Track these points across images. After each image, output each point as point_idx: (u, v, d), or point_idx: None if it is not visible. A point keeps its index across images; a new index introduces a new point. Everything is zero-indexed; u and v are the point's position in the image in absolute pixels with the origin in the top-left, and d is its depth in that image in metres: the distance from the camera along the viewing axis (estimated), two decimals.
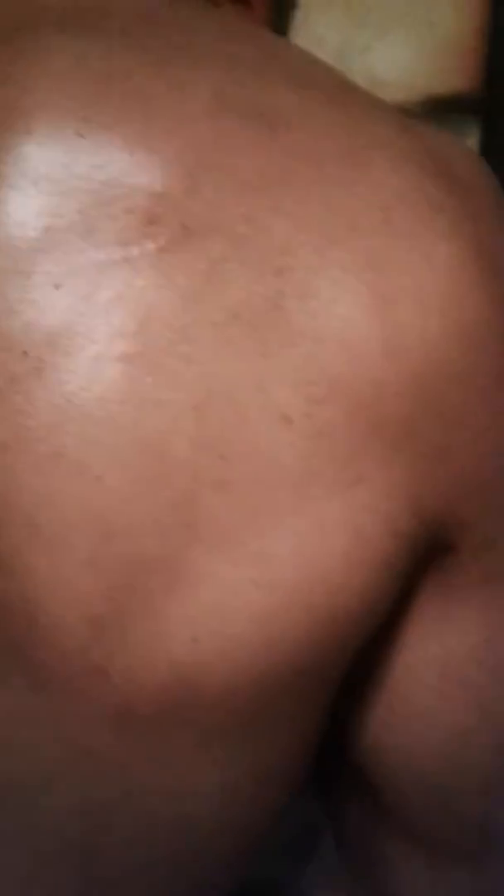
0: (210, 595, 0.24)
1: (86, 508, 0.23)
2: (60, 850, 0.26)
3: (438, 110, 0.85)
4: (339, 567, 0.25)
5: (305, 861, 0.41)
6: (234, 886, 0.31)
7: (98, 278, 0.23)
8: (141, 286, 0.23)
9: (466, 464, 0.26)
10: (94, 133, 0.24)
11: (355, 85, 0.28)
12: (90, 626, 0.24)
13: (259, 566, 0.24)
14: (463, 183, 0.27)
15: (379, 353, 0.24)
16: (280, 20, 0.91)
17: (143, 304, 0.23)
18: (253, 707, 0.26)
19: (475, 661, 0.29)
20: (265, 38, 0.28)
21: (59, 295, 0.23)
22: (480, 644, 0.29)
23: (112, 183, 0.24)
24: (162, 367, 0.23)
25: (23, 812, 0.26)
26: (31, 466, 0.23)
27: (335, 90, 0.27)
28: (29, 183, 0.24)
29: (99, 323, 0.23)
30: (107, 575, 0.24)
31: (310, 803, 0.35)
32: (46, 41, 0.25)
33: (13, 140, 0.24)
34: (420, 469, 0.25)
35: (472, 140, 0.85)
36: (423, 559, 0.27)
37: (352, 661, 0.28)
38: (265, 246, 0.24)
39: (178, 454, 0.23)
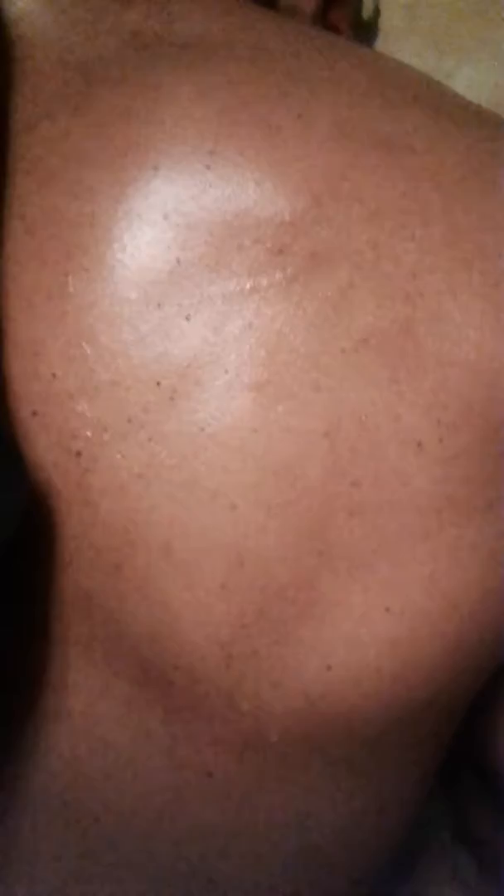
0: (343, 622, 0.24)
1: (219, 535, 0.24)
2: (179, 875, 0.26)
3: None
4: (472, 594, 0.24)
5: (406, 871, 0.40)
6: None
7: (228, 308, 0.24)
8: (270, 315, 0.24)
9: None
10: (220, 165, 0.24)
11: (475, 104, 0.28)
12: (221, 652, 0.24)
13: (392, 593, 0.24)
14: None
15: None
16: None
17: (273, 333, 0.24)
18: (381, 737, 0.25)
19: None
20: (377, 58, 0.29)
21: (190, 326, 0.24)
22: None
23: (240, 214, 0.24)
24: (292, 395, 0.24)
25: (145, 836, 0.26)
26: (166, 495, 0.24)
27: (455, 109, 0.27)
28: (159, 217, 0.24)
29: (229, 352, 0.24)
30: (239, 601, 0.24)
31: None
32: (167, 76, 0.25)
33: (141, 175, 0.24)
34: None
35: None
36: None
37: (476, 690, 0.27)
38: (393, 272, 0.24)
39: (310, 481, 0.23)
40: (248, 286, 0.24)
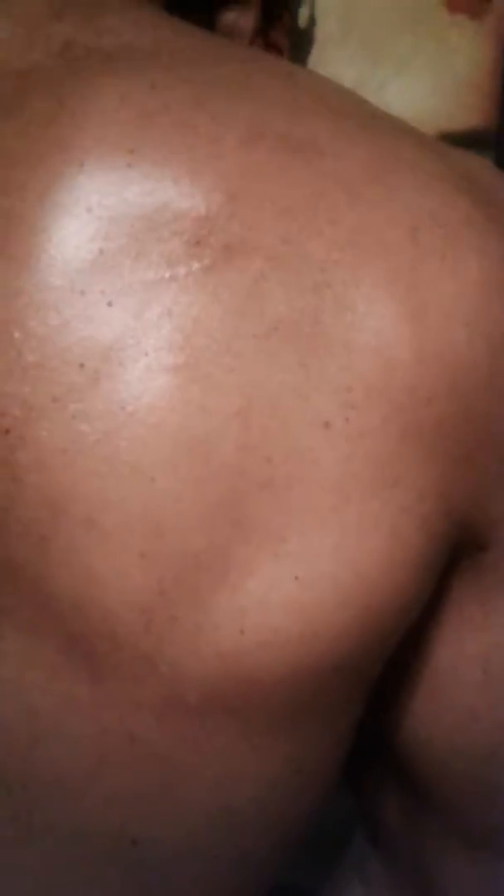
0: (255, 589, 0.25)
1: (139, 507, 0.25)
2: (104, 838, 0.28)
3: (453, 146, 0.87)
4: (377, 565, 0.26)
5: (328, 867, 0.42)
6: (267, 889, 0.32)
7: (148, 296, 0.25)
8: (187, 302, 0.25)
9: (492, 466, 0.28)
10: (141, 164, 0.26)
11: (382, 111, 0.30)
12: (141, 617, 0.25)
13: (301, 562, 0.26)
14: (489, 199, 0.29)
15: (411, 361, 0.26)
16: (296, 56, 0.93)
17: (190, 319, 0.25)
18: (294, 699, 0.27)
19: None
20: (293, 70, 0.30)
21: (113, 311, 0.25)
22: (497, 643, 0.30)
23: (160, 208, 0.26)
24: (207, 377, 0.25)
25: (70, 800, 0.27)
26: (89, 469, 0.25)
27: (363, 117, 0.29)
28: (83, 210, 0.26)
29: (149, 337, 0.25)
30: (158, 569, 0.25)
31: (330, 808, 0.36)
32: (93, 82, 0.27)
33: (68, 171, 0.26)
34: (450, 471, 0.27)
35: None
36: (456, 559, 0.29)
37: (390, 660, 0.29)
38: (302, 264, 0.26)
39: (224, 457, 0.25)
40: (166, 275, 0.25)
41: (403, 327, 0.26)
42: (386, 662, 0.29)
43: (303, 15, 0.91)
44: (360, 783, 0.37)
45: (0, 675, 0.27)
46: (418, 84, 0.90)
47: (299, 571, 0.26)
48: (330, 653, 0.26)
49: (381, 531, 0.26)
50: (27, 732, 0.27)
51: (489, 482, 0.28)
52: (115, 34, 0.28)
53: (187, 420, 0.25)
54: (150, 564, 0.25)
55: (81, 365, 0.25)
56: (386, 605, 0.27)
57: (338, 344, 0.26)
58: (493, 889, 0.33)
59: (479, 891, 0.34)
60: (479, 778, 0.32)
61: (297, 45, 0.92)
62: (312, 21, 0.91)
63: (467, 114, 0.90)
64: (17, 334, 0.25)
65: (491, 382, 0.27)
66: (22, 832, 0.28)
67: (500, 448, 0.28)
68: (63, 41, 0.28)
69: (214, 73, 0.28)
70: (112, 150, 0.26)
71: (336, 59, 0.92)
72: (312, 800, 0.30)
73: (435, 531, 0.27)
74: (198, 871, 0.29)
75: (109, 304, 0.25)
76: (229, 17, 0.35)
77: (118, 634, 0.26)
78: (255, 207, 0.26)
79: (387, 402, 0.26)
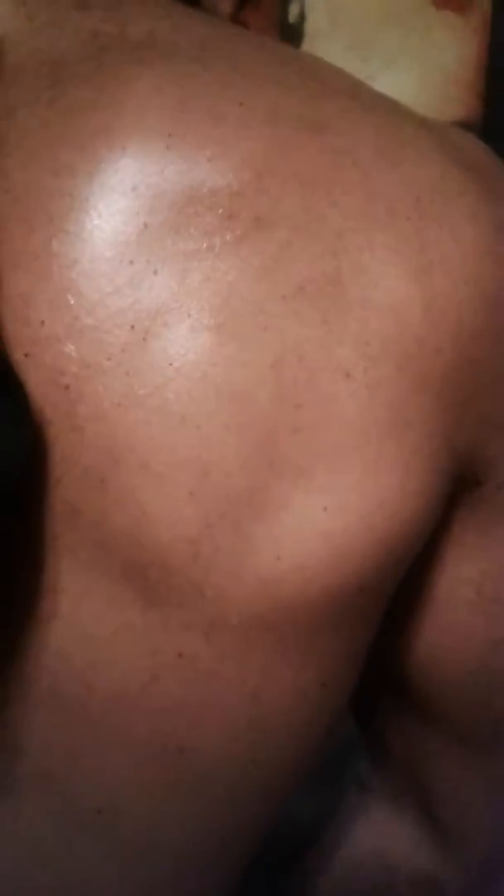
0: (289, 520, 0.29)
1: (187, 451, 0.28)
2: (153, 747, 0.31)
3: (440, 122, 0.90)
4: (394, 497, 0.30)
5: (326, 800, 0.45)
6: (287, 800, 0.35)
7: (189, 264, 0.29)
8: (223, 269, 0.29)
9: (489, 408, 0.32)
10: (178, 146, 0.29)
11: (377, 92, 0.34)
12: (190, 548, 0.29)
13: (328, 495, 0.29)
14: (479, 169, 0.33)
15: (420, 315, 0.30)
16: None
17: (226, 284, 0.29)
18: (323, 617, 0.31)
19: None
20: (298, 55, 0.34)
21: (158, 279, 0.29)
22: (490, 568, 0.35)
23: (197, 185, 0.29)
24: (243, 335, 0.29)
25: (125, 715, 0.31)
26: (143, 419, 0.28)
27: (364, 98, 0.32)
28: (129, 188, 0.29)
29: (191, 300, 0.29)
30: (204, 505, 0.29)
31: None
32: (126, 71, 0.30)
33: (111, 155, 0.29)
34: (454, 415, 0.31)
35: None
36: (457, 493, 0.33)
37: (401, 583, 0.33)
38: (322, 232, 0.29)
39: (260, 405, 0.29)
40: (204, 245, 0.29)
41: (413, 286, 0.29)
42: (400, 584, 0.33)
43: (292, 10, 0.94)
44: (358, 702, 0.40)
45: (61, 609, 0.30)
46: (405, 78, 0.92)
47: (327, 503, 0.29)
48: (355, 574, 0.30)
49: (397, 467, 0.30)
50: (85, 659, 0.30)
51: (486, 423, 0.32)
52: (138, 24, 0.31)
53: (227, 373, 0.28)
54: (198, 501, 0.29)
55: (132, 327, 0.28)
56: (402, 530, 0.30)
57: (356, 302, 0.29)
58: (479, 782, 0.38)
59: (468, 785, 0.39)
60: (472, 689, 0.36)
61: (287, 39, 0.94)
62: (302, 16, 0.94)
63: (453, 107, 0.93)
64: (72, 300, 0.28)
65: (487, 334, 0.31)
66: (80, 747, 0.31)
67: (495, 393, 0.32)
68: (90, 31, 0.31)
69: (233, 61, 0.31)
70: (151, 135, 0.29)
71: (324, 53, 0.94)
72: (332, 712, 0.34)
73: (441, 467, 0.31)
74: (234, 777, 0.32)
75: (155, 272, 0.29)
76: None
77: (169, 564, 0.29)
78: (280, 182, 0.29)
79: (400, 354, 0.29)
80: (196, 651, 0.30)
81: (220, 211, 0.29)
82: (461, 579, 0.35)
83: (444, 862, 0.40)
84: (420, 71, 0.98)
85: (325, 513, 0.29)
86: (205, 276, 0.29)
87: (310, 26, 0.96)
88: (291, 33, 0.97)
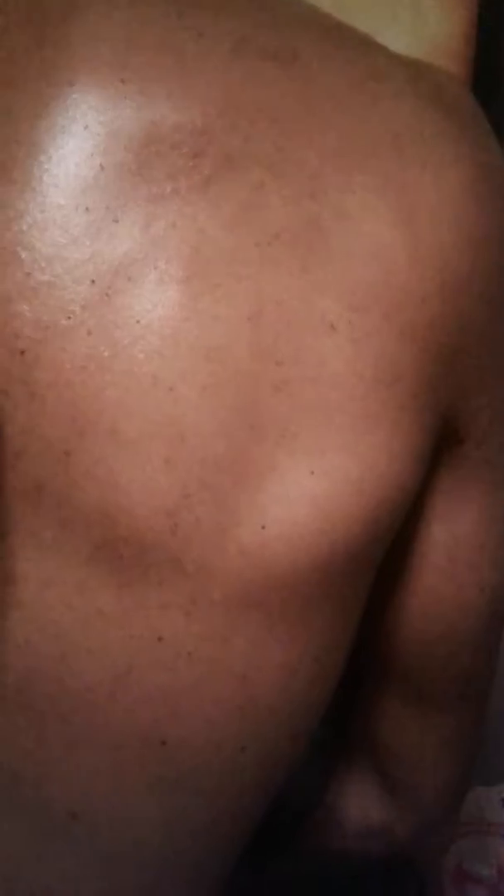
0: (273, 486, 0.27)
1: (160, 415, 0.26)
2: (133, 741, 0.28)
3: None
4: (382, 457, 0.28)
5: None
6: (285, 783, 0.33)
7: (152, 209, 0.26)
8: (191, 214, 0.26)
9: (471, 363, 0.30)
10: (132, 80, 0.27)
11: (350, 26, 0.31)
12: (168, 520, 0.26)
13: (314, 458, 0.27)
14: (458, 109, 0.30)
15: (405, 262, 0.27)
16: None
17: (195, 231, 0.26)
18: (313, 588, 0.28)
19: (478, 545, 0.33)
20: None
21: (119, 227, 0.26)
22: (482, 530, 0.33)
23: (156, 122, 0.26)
24: (217, 286, 0.26)
25: (100, 708, 0.28)
26: (109, 383, 0.26)
27: (336, 30, 0.30)
28: (80, 128, 0.26)
29: (157, 250, 0.26)
30: (181, 474, 0.26)
31: None
32: (70, 1, 0.28)
33: (59, 92, 0.27)
34: (439, 369, 0.29)
35: None
36: (439, 451, 0.31)
37: (386, 545, 0.31)
38: (298, 173, 0.27)
39: (238, 362, 0.26)
40: (168, 189, 0.26)
41: (397, 231, 0.27)
42: (386, 546, 0.31)
43: None
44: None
45: (23, 597, 0.27)
46: (393, 50, 0.90)
47: (313, 466, 0.27)
48: (344, 541, 0.28)
49: (384, 426, 0.27)
50: (54, 650, 0.28)
51: (468, 378, 0.30)
52: None
53: (201, 329, 0.26)
54: (174, 469, 0.26)
55: (92, 281, 0.26)
56: (390, 493, 0.28)
57: (338, 249, 0.27)
58: (432, 739, 0.38)
59: (420, 742, 0.37)
60: (436, 650, 0.35)
61: None
62: None
63: None
64: (23, 254, 0.26)
65: (472, 282, 0.29)
66: (50, 747, 0.28)
67: (479, 346, 0.30)
68: None
69: None
70: (103, 68, 0.27)
71: None
72: (326, 688, 0.31)
73: (427, 424, 0.29)
74: (223, 767, 0.30)
75: (115, 220, 0.26)
76: None
77: (146, 539, 0.26)
78: (250, 118, 0.27)
79: (387, 303, 0.27)
80: (177, 632, 0.27)
81: (185, 149, 0.26)
82: (433, 543, 0.33)
83: (396, 816, 0.40)
84: (408, 42, 0.96)
85: (312, 476, 0.27)
86: (171, 223, 0.26)
87: None
88: None
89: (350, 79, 0.28)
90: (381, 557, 0.31)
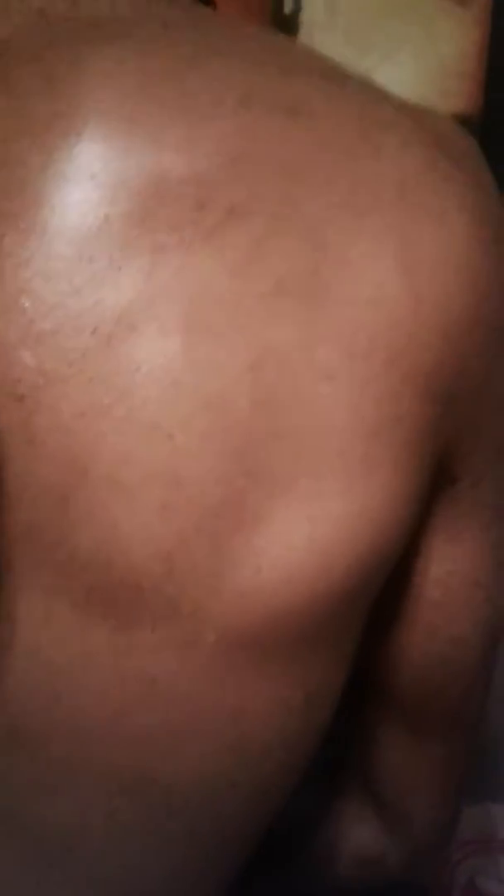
0: (271, 531, 0.27)
1: (159, 462, 0.26)
2: (125, 780, 0.29)
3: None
4: (380, 500, 0.28)
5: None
6: (277, 817, 0.33)
7: (156, 259, 0.26)
8: (194, 265, 0.26)
9: (467, 406, 0.30)
10: (140, 130, 0.27)
11: (359, 75, 0.31)
12: (163, 565, 0.27)
13: (312, 503, 0.27)
14: (462, 157, 0.30)
15: (410, 309, 0.27)
16: None
17: (197, 280, 0.26)
18: (307, 629, 0.29)
19: (472, 582, 0.34)
20: (277, 38, 0.32)
21: (122, 276, 0.26)
22: (476, 567, 0.33)
23: (161, 174, 0.26)
24: (218, 335, 0.26)
25: (92, 747, 0.28)
26: (108, 429, 0.26)
27: (343, 80, 0.30)
28: (86, 178, 0.26)
29: (160, 299, 0.26)
30: (177, 519, 0.26)
31: None
32: (80, 50, 0.28)
33: (66, 143, 0.27)
34: (441, 410, 0.29)
35: None
36: (435, 489, 0.31)
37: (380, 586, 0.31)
38: (302, 223, 0.27)
39: (237, 411, 0.26)
40: (172, 239, 0.26)
41: (400, 279, 0.27)
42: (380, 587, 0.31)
43: (288, 1, 0.91)
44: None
45: (18, 638, 0.28)
46: (405, 70, 0.90)
47: (311, 511, 0.27)
48: (341, 582, 0.28)
49: (385, 467, 0.28)
50: (48, 690, 0.28)
51: (463, 420, 0.30)
52: (92, 4, 0.29)
53: (201, 378, 0.26)
54: (171, 515, 0.26)
55: (94, 330, 0.26)
56: (388, 534, 0.29)
57: (339, 297, 0.27)
58: (424, 766, 0.38)
59: (413, 769, 0.38)
60: (428, 681, 0.35)
61: (282, 30, 0.92)
62: (298, 6, 0.92)
63: (453, 99, 0.91)
64: (27, 303, 0.26)
65: (473, 330, 0.29)
66: (43, 784, 0.29)
67: (475, 390, 0.30)
68: (38, 9, 0.29)
69: (203, 40, 0.29)
70: (110, 118, 0.27)
71: (322, 45, 0.92)
72: (320, 725, 0.32)
73: (425, 465, 0.29)
74: (215, 803, 0.30)
75: (119, 269, 0.26)
76: None
77: (142, 583, 0.27)
78: (256, 169, 0.27)
79: (389, 348, 0.27)
80: (170, 674, 0.28)
81: (190, 200, 0.26)
82: (428, 579, 0.33)
83: (388, 840, 0.40)
84: (420, 62, 0.96)
85: (309, 522, 0.27)
86: (174, 273, 0.26)
87: (306, 17, 0.94)
88: (287, 24, 0.95)
89: (356, 130, 0.28)
90: (375, 594, 0.31)
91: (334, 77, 0.30)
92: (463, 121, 0.90)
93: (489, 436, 0.32)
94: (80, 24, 0.28)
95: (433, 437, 0.29)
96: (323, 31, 0.94)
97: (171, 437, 0.26)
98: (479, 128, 0.89)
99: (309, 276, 0.27)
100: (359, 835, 0.41)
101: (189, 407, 0.26)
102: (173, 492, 0.26)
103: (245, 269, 0.26)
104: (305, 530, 0.27)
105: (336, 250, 0.27)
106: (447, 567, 0.33)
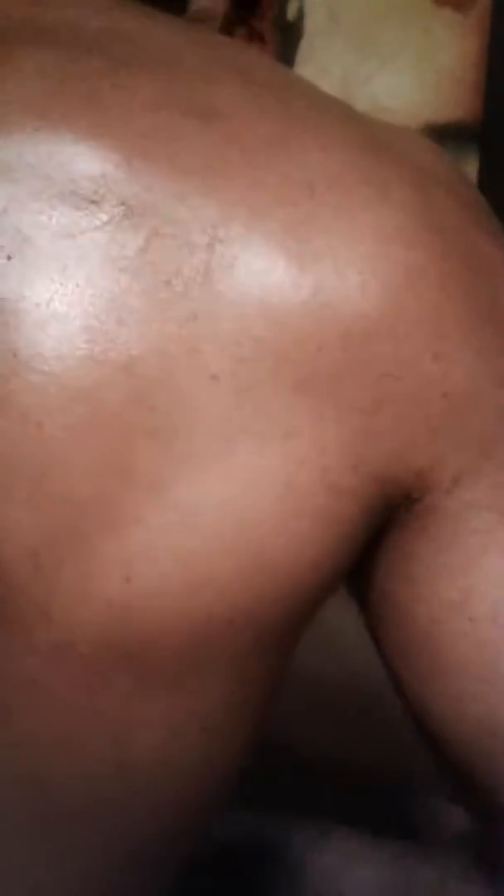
0: (140, 537, 0.26)
1: (25, 450, 0.26)
2: (13, 777, 0.29)
3: (438, 137, 0.88)
4: (270, 517, 0.27)
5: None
6: (190, 848, 0.32)
7: (46, 250, 0.26)
8: (82, 258, 0.26)
9: (411, 414, 0.27)
10: (47, 128, 0.27)
11: (308, 83, 0.31)
12: (31, 562, 0.26)
13: (185, 511, 0.26)
14: (409, 163, 0.29)
15: (298, 313, 0.26)
16: (286, 51, 0.94)
17: (83, 274, 0.26)
18: (188, 651, 0.28)
19: (498, 599, 0.28)
20: (214, 42, 0.32)
21: (10, 265, 0.26)
22: (492, 582, 0.29)
23: (59, 169, 0.27)
24: (97, 329, 0.26)
25: None
26: None
27: (278, 86, 0.30)
28: None
29: (44, 289, 0.26)
30: (43, 513, 0.26)
31: None
32: (14, 52, 0.28)
33: None
34: (356, 423, 0.27)
35: (471, 165, 0.88)
36: (393, 514, 0.28)
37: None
38: (196, 222, 0.27)
39: (111, 407, 0.26)
40: (64, 232, 0.26)
41: (293, 279, 0.26)
42: (302, 622, 0.29)
43: (291, 8, 0.92)
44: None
45: None
46: (404, 77, 0.90)
47: (184, 519, 0.26)
48: (218, 603, 0.27)
49: (275, 483, 0.26)
50: None
51: (410, 431, 0.27)
52: (56, 7, 0.30)
53: (77, 370, 0.26)
54: (37, 507, 0.26)
55: None
56: (283, 557, 0.27)
57: (228, 299, 0.26)
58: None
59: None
60: (427, 708, 0.30)
61: (286, 38, 0.92)
62: (301, 14, 0.92)
63: (452, 106, 0.91)
64: None
65: (393, 328, 0.27)
66: None
67: (419, 395, 0.27)
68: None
69: (130, 47, 0.29)
70: (22, 115, 0.27)
71: (323, 52, 0.92)
72: (225, 759, 0.30)
73: (340, 485, 0.27)
74: (103, 822, 0.29)
75: (8, 257, 0.26)
76: (201, 2, 0.36)
77: (11, 580, 0.26)
78: (156, 168, 0.27)
79: (275, 356, 0.26)
80: (47, 678, 0.27)
81: (84, 196, 0.27)
82: (442, 604, 0.28)
83: None
84: (419, 69, 0.96)
85: (181, 530, 0.26)
86: (61, 265, 0.26)
87: (309, 24, 0.95)
88: (290, 32, 0.96)
89: (274, 133, 0.28)
90: (291, 628, 0.29)
91: (271, 86, 0.30)
92: (462, 127, 0.90)
93: (457, 436, 0.28)
94: (30, 26, 0.29)
95: (349, 455, 0.27)
96: (324, 38, 0.94)
97: (41, 426, 0.26)
98: (477, 134, 0.89)
99: (198, 276, 0.26)
100: None
101: (61, 398, 0.26)
102: (39, 482, 0.26)
103: (132, 266, 0.26)
104: (177, 539, 0.26)
105: (228, 250, 0.26)
106: (464, 585, 0.28)
